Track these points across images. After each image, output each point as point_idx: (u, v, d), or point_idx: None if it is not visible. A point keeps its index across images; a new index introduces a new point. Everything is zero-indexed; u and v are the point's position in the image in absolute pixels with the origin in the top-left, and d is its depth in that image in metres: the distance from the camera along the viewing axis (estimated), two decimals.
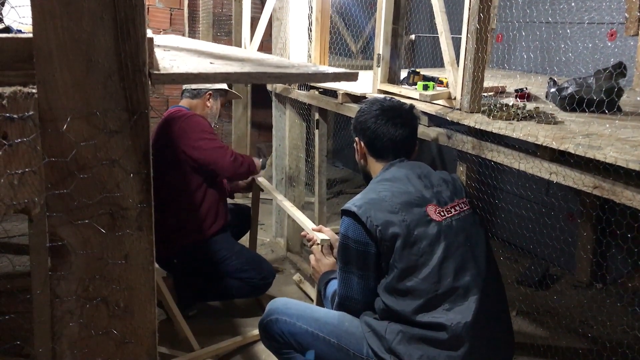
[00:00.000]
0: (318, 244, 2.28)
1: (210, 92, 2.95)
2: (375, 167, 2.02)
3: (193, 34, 5.26)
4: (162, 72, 0.99)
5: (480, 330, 1.75)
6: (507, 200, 3.61)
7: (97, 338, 0.98)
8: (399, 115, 2.00)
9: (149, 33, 1.03)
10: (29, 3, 0.88)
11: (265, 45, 4.48)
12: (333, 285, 2.06)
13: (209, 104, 2.97)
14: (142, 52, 0.91)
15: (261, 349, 2.54)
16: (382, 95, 2.30)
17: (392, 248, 1.77)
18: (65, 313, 0.96)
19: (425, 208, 1.83)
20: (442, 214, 1.84)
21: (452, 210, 1.87)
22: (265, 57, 1.45)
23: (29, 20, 1.64)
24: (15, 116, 0.85)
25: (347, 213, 1.85)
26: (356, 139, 2.04)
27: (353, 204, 1.84)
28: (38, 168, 0.87)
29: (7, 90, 0.86)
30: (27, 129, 0.87)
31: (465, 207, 1.91)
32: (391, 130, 1.97)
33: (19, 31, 1.42)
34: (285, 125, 3.68)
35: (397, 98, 2.23)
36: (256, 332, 2.39)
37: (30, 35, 0.89)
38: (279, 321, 1.95)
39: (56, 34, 0.87)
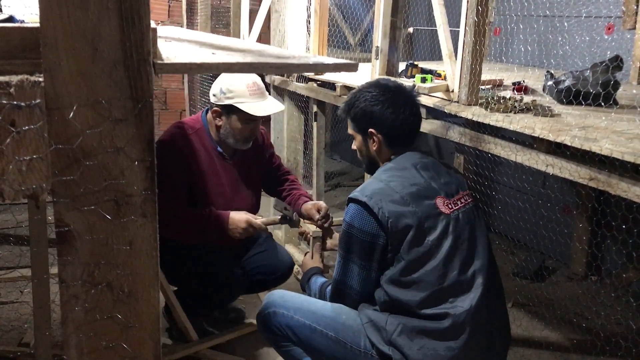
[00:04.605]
0: (310, 236, 2.29)
1: (215, 108, 2.35)
2: (387, 156, 1.96)
3: (191, 25, 5.26)
4: (165, 61, 1.00)
5: (480, 319, 1.76)
6: (504, 192, 3.64)
7: (102, 322, 1.00)
8: (409, 99, 1.94)
9: (152, 24, 1.05)
10: None
11: (264, 38, 4.48)
12: (316, 282, 2.07)
13: (217, 122, 2.38)
14: (146, 42, 0.93)
15: (259, 339, 2.56)
16: (378, 77, 2.24)
17: (402, 240, 1.75)
18: (70, 298, 0.97)
19: (435, 200, 1.81)
20: (450, 206, 1.83)
21: (459, 202, 1.86)
22: (265, 47, 1.47)
23: (31, 10, 1.65)
24: (22, 104, 0.87)
25: (355, 201, 1.80)
26: (370, 130, 1.92)
27: (362, 193, 1.79)
28: (45, 155, 0.89)
29: (15, 78, 0.87)
30: (34, 116, 0.88)
31: (469, 199, 1.91)
32: (409, 118, 1.91)
33: (22, 21, 1.43)
34: (283, 118, 3.69)
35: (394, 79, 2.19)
36: (254, 322, 2.40)
37: (37, 24, 0.90)
38: (276, 314, 1.95)
39: (62, 23, 0.89)
